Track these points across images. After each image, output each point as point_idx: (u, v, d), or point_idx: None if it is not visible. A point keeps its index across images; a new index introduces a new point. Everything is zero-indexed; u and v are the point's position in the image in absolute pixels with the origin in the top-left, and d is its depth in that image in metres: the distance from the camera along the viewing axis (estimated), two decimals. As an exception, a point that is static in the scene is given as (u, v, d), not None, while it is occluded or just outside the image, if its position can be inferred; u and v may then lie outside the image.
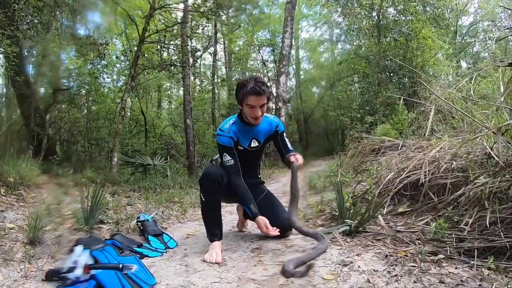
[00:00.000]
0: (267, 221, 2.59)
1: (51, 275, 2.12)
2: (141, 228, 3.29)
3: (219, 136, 2.78)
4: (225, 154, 2.73)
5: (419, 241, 2.30)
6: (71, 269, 2.02)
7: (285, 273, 2.10)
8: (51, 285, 2.06)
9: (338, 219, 3.03)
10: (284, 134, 3.03)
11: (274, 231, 2.56)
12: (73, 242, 2.67)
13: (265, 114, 2.84)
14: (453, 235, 2.18)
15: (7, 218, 2.91)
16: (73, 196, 4.03)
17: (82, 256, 2.08)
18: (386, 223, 2.73)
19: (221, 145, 2.76)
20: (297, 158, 2.85)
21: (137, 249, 2.71)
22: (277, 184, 7.59)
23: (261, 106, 2.62)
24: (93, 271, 2.05)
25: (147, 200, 4.68)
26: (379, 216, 2.77)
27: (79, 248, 2.17)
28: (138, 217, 3.46)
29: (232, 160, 2.71)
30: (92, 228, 3.19)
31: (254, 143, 2.89)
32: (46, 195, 3.93)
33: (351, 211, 2.92)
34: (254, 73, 19.13)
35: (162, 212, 4.14)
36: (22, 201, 3.48)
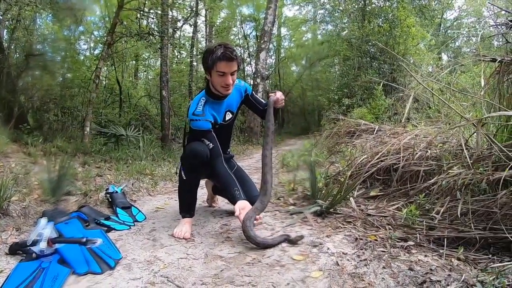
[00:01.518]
0: (246, 205, 2.34)
1: (15, 249, 2.05)
2: (110, 200, 3.22)
3: (194, 122, 2.50)
4: (203, 139, 2.50)
5: (390, 226, 2.31)
6: (35, 242, 1.95)
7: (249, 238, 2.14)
8: (14, 259, 1.99)
9: (310, 199, 3.04)
10: (253, 93, 2.90)
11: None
12: (39, 214, 2.61)
13: None
14: (424, 223, 2.20)
15: (-30, 189, 2.79)
16: (41, 166, 3.92)
17: (46, 229, 2.01)
18: (357, 206, 2.74)
19: (199, 131, 2.51)
20: (275, 93, 2.75)
21: (104, 221, 2.64)
22: (251, 160, 7.57)
23: (232, 74, 2.44)
24: (56, 245, 1.98)
25: (118, 171, 4.58)
26: (351, 199, 2.78)
27: (43, 221, 2.09)
28: (107, 189, 3.40)
29: (211, 144, 2.48)
30: (59, 199, 3.10)
31: (229, 115, 2.74)
32: (14, 164, 3.81)
33: (323, 191, 2.92)
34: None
35: (132, 184, 4.06)
36: (-13, 171, 3.36)
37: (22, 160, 4.21)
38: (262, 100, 2.87)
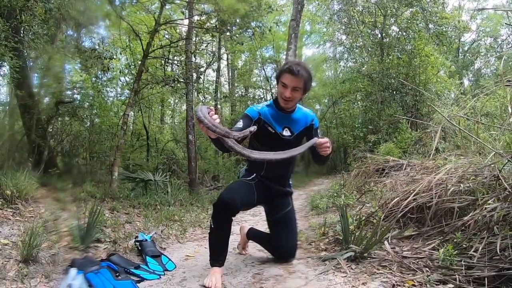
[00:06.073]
0: None
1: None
2: (139, 248, 3.20)
3: (248, 108, 2.75)
4: (240, 120, 2.60)
5: (427, 269, 2.22)
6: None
7: None
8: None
9: (342, 243, 2.94)
10: (318, 131, 2.91)
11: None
12: (68, 261, 2.60)
13: (301, 106, 2.84)
14: (462, 262, 2.11)
15: (1, 233, 2.84)
16: (71, 212, 3.95)
17: (76, 280, 2.00)
18: (392, 248, 2.63)
19: (244, 113, 2.70)
20: (325, 139, 2.58)
21: (134, 270, 2.62)
22: (296, 202, 7.33)
23: (293, 89, 2.55)
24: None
25: (147, 218, 4.57)
26: (385, 241, 2.68)
27: (73, 271, 2.09)
28: (137, 237, 3.38)
29: (241, 125, 2.51)
30: (88, 247, 3.11)
31: (287, 132, 2.77)
32: (44, 210, 3.86)
33: (356, 234, 2.83)
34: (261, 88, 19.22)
35: (162, 232, 4.04)
36: (18, 215, 3.41)
37: (51, 205, 4.26)
38: None
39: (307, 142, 2.64)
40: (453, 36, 15.37)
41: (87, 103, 9.48)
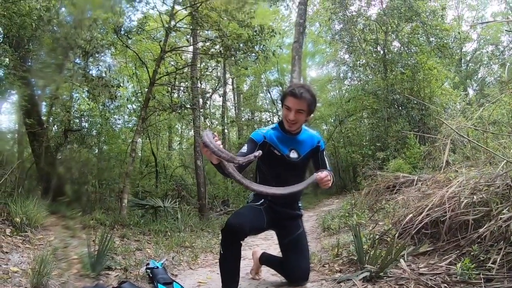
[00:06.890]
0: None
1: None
2: (151, 275, 3.17)
3: (253, 132, 2.77)
4: (245, 145, 2.62)
5: (445, 284, 2.16)
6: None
7: None
8: None
9: (356, 264, 2.89)
10: (324, 153, 2.90)
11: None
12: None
13: (307, 128, 2.84)
14: (481, 275, 2.06)
15: (11, 261, 2.84)
16: (80, 240, 3.94)
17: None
18: (408, 266, 2.57)
19: (249, 138, 2.71)
20: (325, 173, 2.54)
21: (146, 298, 2.59)
22: (306, 223, 7.29)
23: (297, 112, 2.55)
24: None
25: (157, 245, 4.55)
26: (401, 259, 2.62)
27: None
28: (148, 264, 3.35)
29: (246, 150, 2.54)
30: (99, 274, 3.09)
31: (293, 154, 2.75)
32: (53, 237, 3.86)
33: (371, 253, 2.77)
34: (264, 111, 19.23)
35: (173, 258, 4.00)
36: (28, 243, 3.42)
37: (61, 233, 4.25)
38: (327, 165, 2.84)
39: (308, 179, 2.63)
40: (455, 47, 15.43)
41: (95, 131, 9.60)
